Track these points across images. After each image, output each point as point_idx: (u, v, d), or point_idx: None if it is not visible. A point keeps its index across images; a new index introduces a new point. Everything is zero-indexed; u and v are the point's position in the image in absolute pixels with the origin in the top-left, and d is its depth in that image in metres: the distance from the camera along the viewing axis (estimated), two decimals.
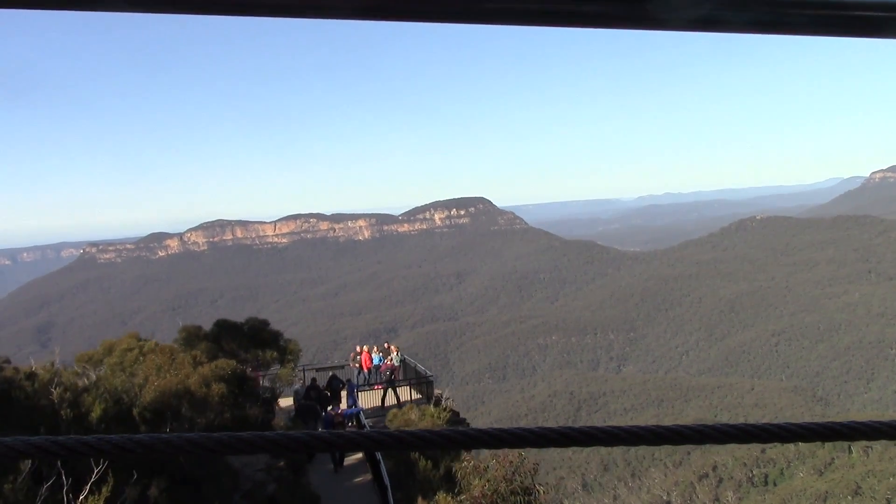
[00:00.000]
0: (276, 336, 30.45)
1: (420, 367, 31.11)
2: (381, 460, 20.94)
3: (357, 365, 29.94)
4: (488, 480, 18.19)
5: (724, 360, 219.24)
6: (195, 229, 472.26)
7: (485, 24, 1.34)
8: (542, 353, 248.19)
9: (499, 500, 17.98)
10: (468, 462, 19.02)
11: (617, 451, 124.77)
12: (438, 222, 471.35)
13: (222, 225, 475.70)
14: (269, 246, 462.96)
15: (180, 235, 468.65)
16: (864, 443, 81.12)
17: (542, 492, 19.02)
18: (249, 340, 28.11)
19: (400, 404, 27.69)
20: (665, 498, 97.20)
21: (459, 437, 1.69)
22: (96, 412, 15.61)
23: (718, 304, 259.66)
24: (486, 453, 19.18)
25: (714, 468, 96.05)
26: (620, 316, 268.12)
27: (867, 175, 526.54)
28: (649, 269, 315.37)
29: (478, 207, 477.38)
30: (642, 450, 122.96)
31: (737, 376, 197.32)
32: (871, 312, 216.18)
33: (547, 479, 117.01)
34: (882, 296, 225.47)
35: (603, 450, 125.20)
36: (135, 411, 16.95)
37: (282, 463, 20.12)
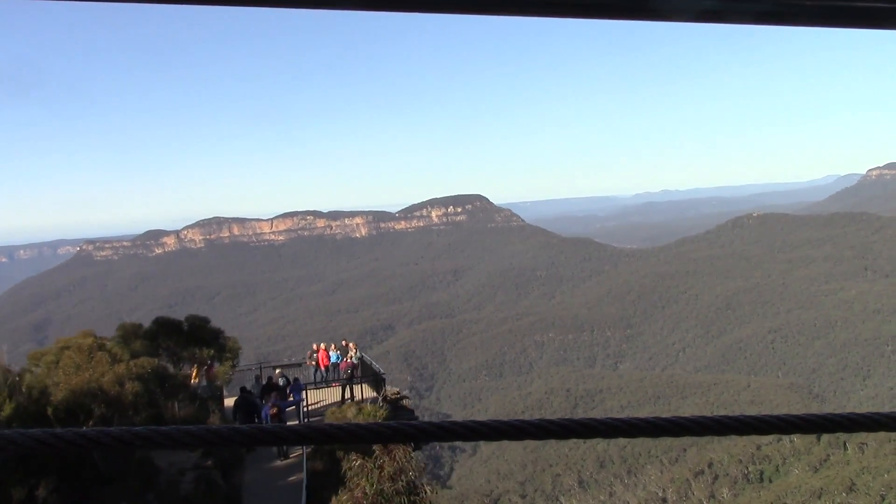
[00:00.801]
0: (217, 334, 30.39)
1: (375, 365, 31.05)
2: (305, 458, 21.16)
3: (314, 363, 30.02)
4: (370, 481, 17.86)
5: (721, 357, 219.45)
6: (192, 227, 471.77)
7: (482, 14, 1.31)
8: (539, 350, 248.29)
9: (383, 500, 17.70)
10: (355, 461, 18.43)
11: (613, 449, 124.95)
12: (435, 219, 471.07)
13: (219, 222, 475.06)
14: (266, 243, 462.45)
15: (177, 233, 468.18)
16: (859, 440, 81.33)
17: (428, 491, 18.58)
18: (188, 339, 27.92)
19: (357, 402, 27.67)
20: (661, 495, 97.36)
21: (434, 430, 1.68)
22: (6, 410, 15.47)
23: (715, 301, 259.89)
24: (378, 452, 18.73)
25: (710, 465, 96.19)
26: (617, 313, 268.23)
27: (864, 172, 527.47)
28: (646, 267, 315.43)
29: (475, 205, 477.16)
30: (638, 447, 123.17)
31: (733, 373, 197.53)
32: (868, 309, 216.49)
33: (543, 476, 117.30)
34: (878, 293, 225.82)
35: (599, 447, 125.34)
36: (49, 410, 16.77)
37: (210, 462, 19.96)
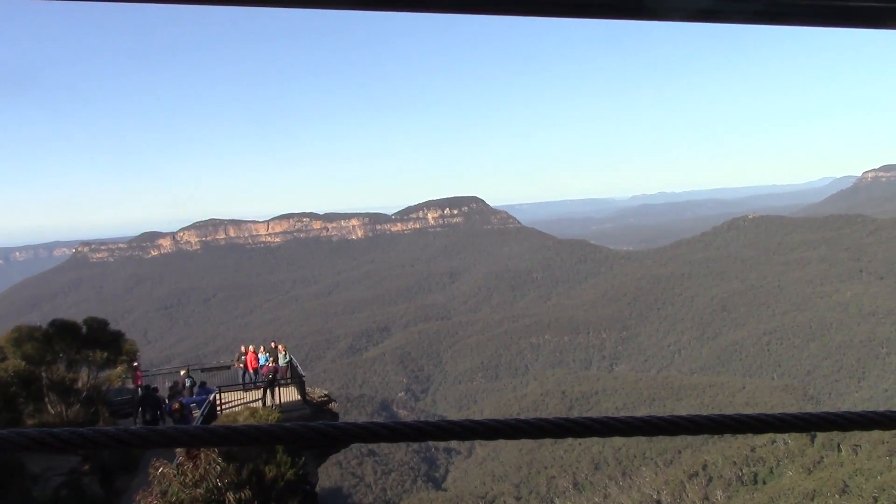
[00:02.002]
0: (117, 336, 30.49)
1: (299, 368, 31.10)
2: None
3: (242, 365, 29.95)
4: (168, 487, 17.32)
5: (716, 358, 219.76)
6: (188, 228, 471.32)
7: (479, 13, 1.30)
8: (535, 352, 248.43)
9: None
10: (156, 468, 17.72)
11: (608, 451, 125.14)
12: (431, 221, 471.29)
13: (215, 224, 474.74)
14: (262, 245, 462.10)
15: (173, 235, 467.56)
16: (852, 442, 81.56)
17: (232, 498, 17.92)
18: (83, 341, 27.93)
19: (279, 405, 27.69)
20: (655, 496, 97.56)
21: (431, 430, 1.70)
22: None
23: (711, 302, 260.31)
24: (182, 458, 18.35)
25: (704, 467, 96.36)
26: (613, 315, 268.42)
27: (860, 174, 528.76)
28: (642, 269, 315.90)
29: (471, 207, 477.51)
30: (633, 449, 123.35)
31: (728, 375, 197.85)
32: (863, 311, 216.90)
33: (538, 478, 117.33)
34: (873, 295, 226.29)
35: (594, 449, 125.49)
36: None
37: (87, 466, 19.79)
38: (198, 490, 17.31)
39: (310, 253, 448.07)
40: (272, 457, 21.02)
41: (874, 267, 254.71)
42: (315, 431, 1.70)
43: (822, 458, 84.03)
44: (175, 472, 17.51)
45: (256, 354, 29.71)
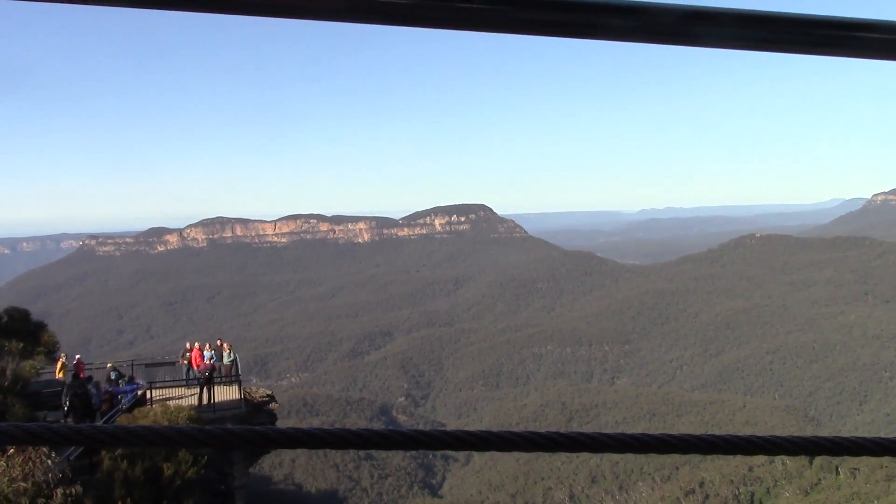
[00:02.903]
0: (38, 328, 30.59)
1: (240, 367, 31.17)
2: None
3: (186, 362, 29.88)
4: None
5: (718, 376, 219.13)
6: (195, 225, 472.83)
7: (483, 31, 1.34)
8: (537, 362, 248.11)
9: (4, 501, 16.66)
10: None
11: (605, 464, 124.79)
12: (438, 228, 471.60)
13: (222, 222, 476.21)
14: (269, 245, 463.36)
15: (180, 231, 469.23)
16: (851, 464, 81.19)
17: (60, 494, 17.88)
18: (3, 331, 28.13)
19: (212, 405, 27.76)
20: None
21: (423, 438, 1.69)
22: None
23: (714, 319, 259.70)
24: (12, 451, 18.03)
25: (701, 484, 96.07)
26: (616, 328, 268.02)
27: (869, 197, 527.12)
28: (647, 283, 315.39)
29: (478, 214, 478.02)
30: (630, 463, 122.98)
31: (729, 393, 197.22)
32: (867, 334, 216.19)
33: (534, 488, 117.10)
34: (878, 318, 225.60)
35: (591, 462, 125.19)
36: None
37: None
38: (23, 485, 16.65)
39: (316, 254, 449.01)
40: (174, 454, 20.60)
41: (880, 290, 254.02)
42: (313, 437, 1.68)
43: (819, 479, 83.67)
44: (5, 465, 16.85)
45: (202, 352, 29.42)
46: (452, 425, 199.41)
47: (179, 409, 25.46)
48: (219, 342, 30.67)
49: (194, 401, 28.11)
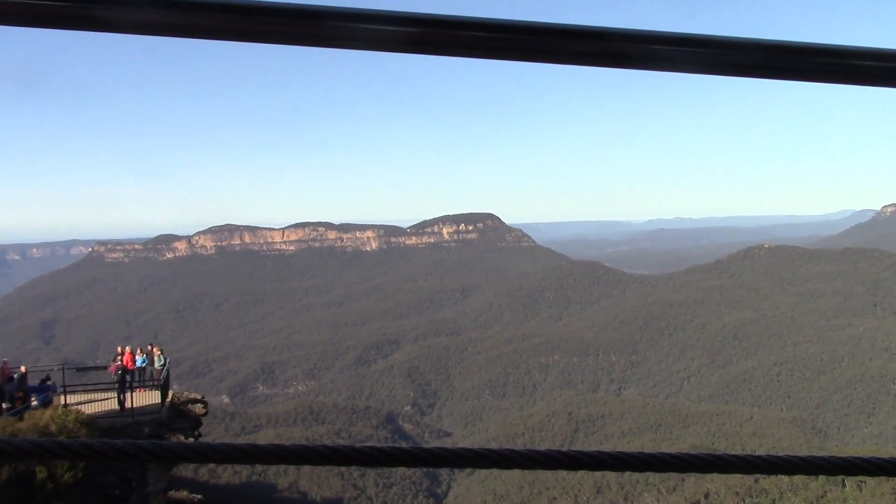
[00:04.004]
0: None
1: (164, 373, 30.91)
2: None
3: (118, 366, 29.57)
4: None
5: (725, 387, 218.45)
6: (204, 233, 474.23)
7: (488, 59, 1.37)
8: (544, 372, 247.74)
9: None
10: None
11: (611, 475, 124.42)
12: (446, 236, 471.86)
13: (231, 230, 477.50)
14: (277, 252, 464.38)
15: (188, 238, 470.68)
16: (857, 477, 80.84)
17: None
18: None
19: (130, 410, 27.70)
20: None
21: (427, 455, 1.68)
22: None
23: (722, 330, 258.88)
24: None
25: (706, 496, 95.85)
26: (623, 338, 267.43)
27: (878, 209, 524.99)
28: (655, 293, 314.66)
29: (486, 223, 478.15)
30: (636, 474, 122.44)
31: (736, 404, 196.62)
32: (875, 346, 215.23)
33: (539, 499, 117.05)
34: (887, 330, 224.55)
35: (597, 472, 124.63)
36: None
37: None
38: None
39: (323, 262, 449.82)
40: None
41: (889, 302, 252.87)
42: (315, 453, 1.65)
43: (825, 492, 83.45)
44: None
45: (133, 356, 29.61)
46: (458, 434, 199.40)
47: (69, 413, 25.43)
48: (150, 347, 30.84)
49: (114, 405, 28.13)
